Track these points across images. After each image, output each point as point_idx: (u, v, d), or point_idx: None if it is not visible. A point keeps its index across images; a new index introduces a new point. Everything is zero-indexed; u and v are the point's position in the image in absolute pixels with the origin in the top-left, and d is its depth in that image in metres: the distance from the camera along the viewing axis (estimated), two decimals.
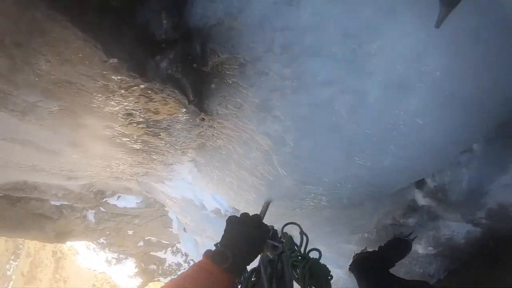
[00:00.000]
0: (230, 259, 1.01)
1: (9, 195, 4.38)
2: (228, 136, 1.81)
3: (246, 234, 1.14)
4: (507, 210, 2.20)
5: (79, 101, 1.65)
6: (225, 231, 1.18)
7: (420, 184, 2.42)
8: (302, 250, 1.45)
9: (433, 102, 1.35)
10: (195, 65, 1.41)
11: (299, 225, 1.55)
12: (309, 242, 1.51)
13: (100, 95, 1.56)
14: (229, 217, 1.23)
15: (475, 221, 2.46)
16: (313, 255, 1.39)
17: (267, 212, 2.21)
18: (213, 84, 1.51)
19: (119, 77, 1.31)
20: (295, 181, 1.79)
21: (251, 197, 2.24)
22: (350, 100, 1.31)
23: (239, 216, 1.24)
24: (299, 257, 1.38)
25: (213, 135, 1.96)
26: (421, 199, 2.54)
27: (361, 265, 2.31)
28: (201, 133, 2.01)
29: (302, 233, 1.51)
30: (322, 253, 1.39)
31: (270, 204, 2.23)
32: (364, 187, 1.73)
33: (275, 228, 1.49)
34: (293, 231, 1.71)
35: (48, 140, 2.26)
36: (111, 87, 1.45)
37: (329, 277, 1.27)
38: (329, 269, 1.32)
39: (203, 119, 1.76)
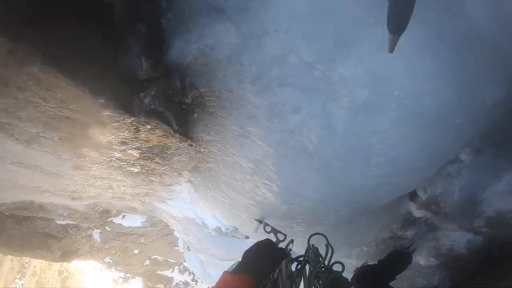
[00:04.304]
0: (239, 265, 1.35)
1: (15, 214, 4.63)
2: (215, 159, 1.98)
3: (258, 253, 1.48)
4: (506, 216, 2.23)
5: (76, 132, 1.86)
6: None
7: (413, 196, 2.49)
8: (326, 262, 1.57)
9: (399, 121, 1.47)
10: (176, 98, 1.60)
11: (325, 237, 1.67)
12: None
13: (94, 127, 1.76)
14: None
15: (475, 230, 2.48)
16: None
17: (262, 230, 2.34)
18: (196, 114, 1.69)
19: (107, 113, 1.51)
20: (281, 201, 1.93)
21: (244, 216, 2.38)
22: (318, 125, 1.46)
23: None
24: (323, 269, 1.50)
25: (203, 158, 2.13)
26: (416, 211, 2.59)
27: (362, 280, 2.36)
28: (192, 157, 2.18)
29: (327, 245, 1.64)
30: None
31: (264, 222, 2.36)
32: (346, 205, 1.85)
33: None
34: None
35: (51, 164, 2.47)
36: (103, 120, 1.65)
37: None
38: None
39: (190, 145, 1.94)
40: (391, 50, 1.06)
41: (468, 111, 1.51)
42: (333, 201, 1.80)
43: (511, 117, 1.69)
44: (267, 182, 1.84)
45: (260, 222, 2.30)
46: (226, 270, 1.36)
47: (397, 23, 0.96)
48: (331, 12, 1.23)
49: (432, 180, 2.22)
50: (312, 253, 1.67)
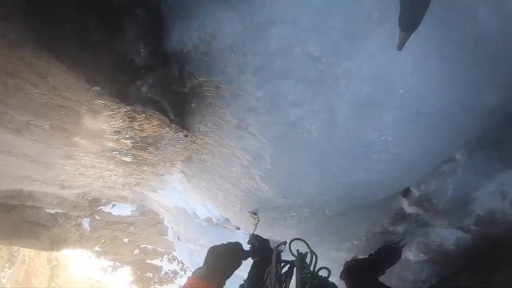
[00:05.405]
0: (204, 271, 1.37)
1: (4, 203, 4.50)
2: (210, 151, 1.93)
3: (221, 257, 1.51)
4: (495, 216, 2.27)
5: (69, 121, 1.79)
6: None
7: (406, 193, 2.51)
8: (312, 268, 1.53)
9: (402, 119, 1.45)
10: (174, 87, 1.54)
11: (306, 243, 1.64)
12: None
13: (87, 116, 1.69)
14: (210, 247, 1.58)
15: (464, 228, 2.52)
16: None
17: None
18: (193, 104, 1.64)
19: (102, 102, 1.44)
20: (276, 194, 1.90)
21: (237, 208, 2.36)
22: (320, 120, 1.43)
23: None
24: (309, 275, 1.47)
25: (197, 149, 2.08)
26: (408, 207, 2.61)
27: (351, 273, 2.37)
28: (187, 147, 2.13)
29: (311, 251, 1.59)
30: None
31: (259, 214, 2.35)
32: (342, 200, 1.84)
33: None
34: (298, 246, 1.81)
35: (42, 153, 2.41)
36: (97, 109, 1.58)
37: None
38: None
39: (186, 135, 1.88)
40: (400, 48, 1.05)
41: (471, 113, 1.51)
42: (330, 196, 1.79)
43: (506, 121, 1.72)
44: (263, 175, 1.81)
45: (255, 214, 2.28)
46: (190, 276, 1.41)
47: (410, 21, 0.95)
48: (340, 5, 1.19)
49: (426, 177, 2.24)
50: (298, 259, 1.64)
